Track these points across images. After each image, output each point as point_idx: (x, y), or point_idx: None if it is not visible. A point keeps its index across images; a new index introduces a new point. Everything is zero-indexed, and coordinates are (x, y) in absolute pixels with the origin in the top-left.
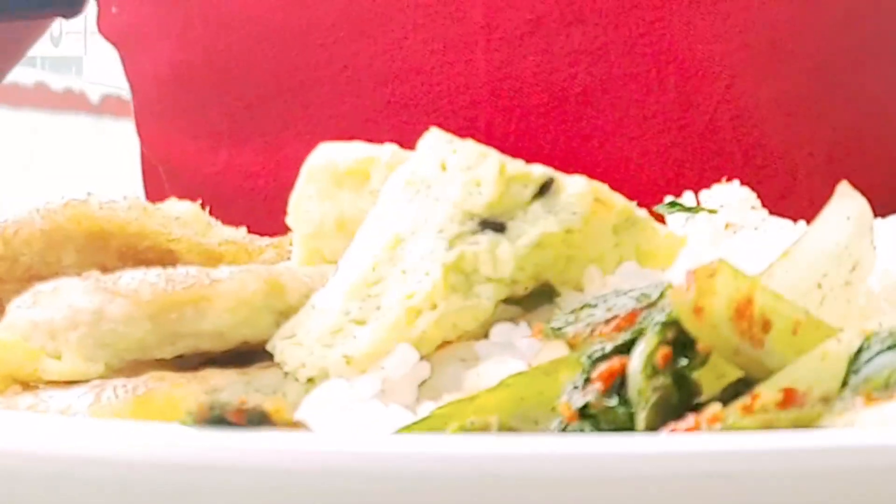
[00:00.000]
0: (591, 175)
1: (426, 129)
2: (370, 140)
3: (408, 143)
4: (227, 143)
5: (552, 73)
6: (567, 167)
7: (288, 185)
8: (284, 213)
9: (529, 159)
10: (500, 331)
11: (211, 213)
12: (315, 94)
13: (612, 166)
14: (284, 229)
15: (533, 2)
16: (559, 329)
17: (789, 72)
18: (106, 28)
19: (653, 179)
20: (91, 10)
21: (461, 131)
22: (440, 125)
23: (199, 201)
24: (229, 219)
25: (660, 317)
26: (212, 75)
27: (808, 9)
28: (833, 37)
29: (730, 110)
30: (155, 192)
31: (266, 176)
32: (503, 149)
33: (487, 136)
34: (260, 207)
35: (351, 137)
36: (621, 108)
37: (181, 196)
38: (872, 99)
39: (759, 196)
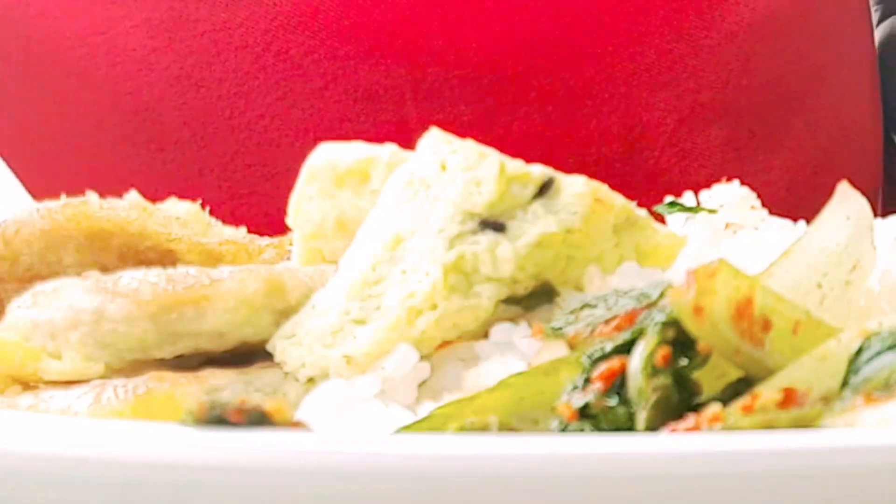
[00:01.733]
0: None
1: None
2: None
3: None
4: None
5: (492, 117)
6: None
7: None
8: (284, 213)
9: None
10: (500, 330)
11: None
12: (230, 142)
13: None
14: (284, 229)
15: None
16: (559, 329)
17: (741, 110)
18: None
19: None
20: None
21: None
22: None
23: (199, 201)
24: None
25: (660, 316)
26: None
27: (760, 42)
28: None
29: (676, 153)
30: None
31: None
32: None
33: None
34: None
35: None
36: (566, 152)
37: None
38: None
39: None
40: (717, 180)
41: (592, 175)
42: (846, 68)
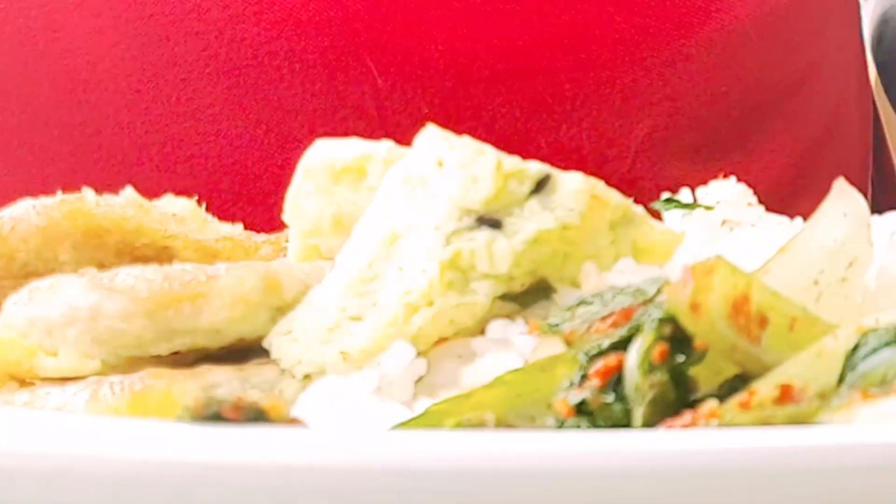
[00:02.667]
0: None
1: None
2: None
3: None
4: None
5: (456, 125)
6: None
7: None
8: (281, 209)
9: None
10: (496, 327)
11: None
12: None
13: None
14: (281, 226)
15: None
16: (556, 325)
17: (713, 118)
18: None
19: None
20: None
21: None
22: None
23: (196, 197)
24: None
25: (657, 313)
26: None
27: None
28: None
29: (648, 160)
30: None
31: None
32: None
33: None
34: None
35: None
36: (544, 159)
37: None
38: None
39: None
40: (690, 185)
41: None
42: (832, 66)
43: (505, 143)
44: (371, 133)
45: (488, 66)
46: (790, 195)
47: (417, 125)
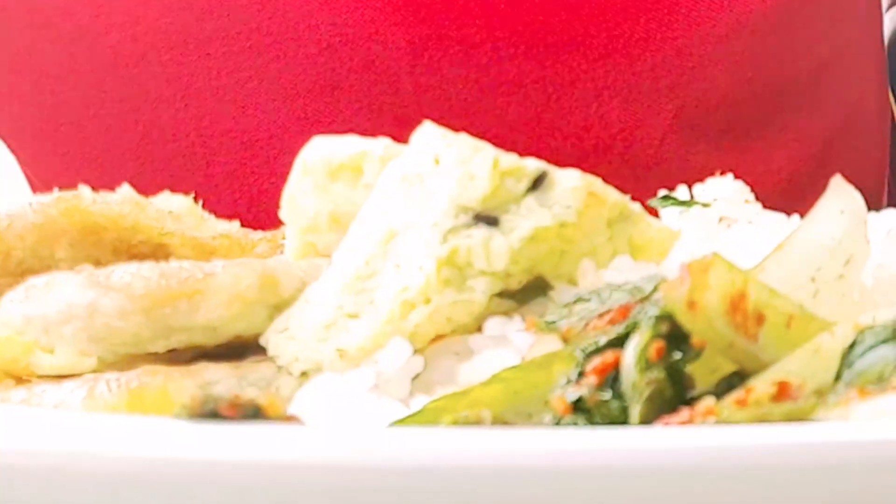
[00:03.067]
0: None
1: None
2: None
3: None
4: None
5: (494, 98)
6: None
7: None
8: (278, 206)
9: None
10: (493, 324)
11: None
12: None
13: None
14: (278, 223)
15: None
16: (553, 323)
17: (739, 103)
18: None
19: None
20: None
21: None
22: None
23: (193, 194)
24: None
25: (653, 310)
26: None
27: (762, 39)
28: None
29: (675, 141)
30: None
31: None
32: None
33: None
34: None
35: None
36: (562, 138)
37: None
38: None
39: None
40: (716, 170)
41: (591, 160)
42: (852, 58)
43: (537, 120)
44: (406, 107)
45: (523, 42)
46: (810, 184)
47: (452, 100)
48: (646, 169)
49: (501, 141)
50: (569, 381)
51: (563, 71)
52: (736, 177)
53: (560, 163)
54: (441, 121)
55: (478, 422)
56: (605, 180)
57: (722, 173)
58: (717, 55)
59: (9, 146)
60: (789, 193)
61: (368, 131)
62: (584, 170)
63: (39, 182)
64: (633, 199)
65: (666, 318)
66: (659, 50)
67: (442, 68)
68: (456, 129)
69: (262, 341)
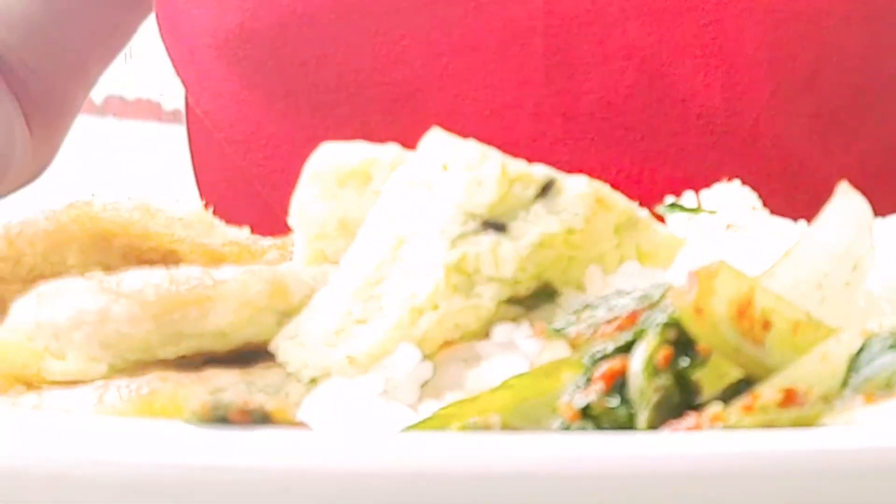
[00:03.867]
0: (624, 171)
1: (477, 103)
2: (419, 112)
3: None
4: (281, 105)
5: (604, 64)
6: (601, 156)
7: None
8: (287, 213)
9: (566, 141)
10: (501, 331)
11: (254, 170)
12: (363, 67)
13: (647, 163)
14: (287, 230)
15: None
16: (561, 329)
17: (830, 87)
18: None
19: (688, 178)
20: None
21: (511, 109)
22: (491, 101)
23: (204, 201)
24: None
25: (661, 317)
26: (273, 35)
27: (855, 22)
28: (876, 54)
29: (770, 118)
30: (199, 141)
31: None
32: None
33: (536, 118)
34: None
35: (397, 113)
36: (667, 105)
37: (223, 150)
38: None
39: (791, 207)
40: (805, 156)
41: (692, 132)
42: None
43: (648, 85)
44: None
45: (635, 6)
46: (882, 181)
47: (579, 72)
48: (742, 144)
49: (609, 110)
50: (577, 388)
51: (674, 35)
52: (831, 160)
53: (662, 134)
54: (562, 93)
55: (486, 427)
56: (705, 154)
57: (816, 156)
58: (814, 33)
59: (181, 77)
60: (863, 188)
61: None
62: (684, 142)
63: (208, 119)
64: (640, 207)
65: (673, 324)
66: (761, 20)
67: (560, 36)
68: (567, 95)
69: (271, 348)
